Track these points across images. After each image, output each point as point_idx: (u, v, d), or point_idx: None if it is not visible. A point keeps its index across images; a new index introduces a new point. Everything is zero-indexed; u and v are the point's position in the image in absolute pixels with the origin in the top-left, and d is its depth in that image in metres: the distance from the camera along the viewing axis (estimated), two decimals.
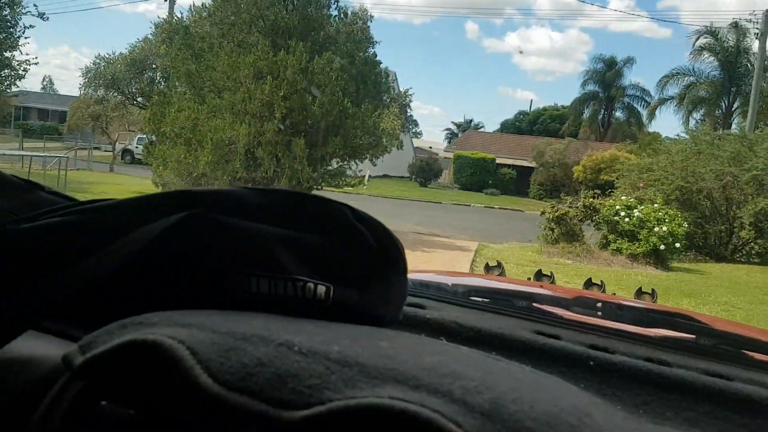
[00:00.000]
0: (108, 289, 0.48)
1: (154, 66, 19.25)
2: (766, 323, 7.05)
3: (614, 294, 1.76)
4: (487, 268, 1.79)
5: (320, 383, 0.36)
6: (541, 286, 1.24)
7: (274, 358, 0.37)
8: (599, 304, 0.81)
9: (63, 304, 0.48)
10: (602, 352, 0.62)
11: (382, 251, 0.53)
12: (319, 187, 12.02)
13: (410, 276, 1.17)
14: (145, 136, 16.28)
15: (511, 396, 0.36)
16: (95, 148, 25.47)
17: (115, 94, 21.05)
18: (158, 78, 19.38)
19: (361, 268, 0.52)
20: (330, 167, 11.92)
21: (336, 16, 11.81)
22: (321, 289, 0.50)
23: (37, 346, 0.49)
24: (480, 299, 0.85)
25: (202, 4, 11.78)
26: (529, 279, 1.72)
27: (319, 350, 0.39)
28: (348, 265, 0.52)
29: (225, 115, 10.37)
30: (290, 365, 0.37)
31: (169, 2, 22.60)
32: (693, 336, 0.77)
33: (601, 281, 1.58)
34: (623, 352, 0.65)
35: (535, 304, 0.85)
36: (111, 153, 24.81)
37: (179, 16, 15.33)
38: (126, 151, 28.69)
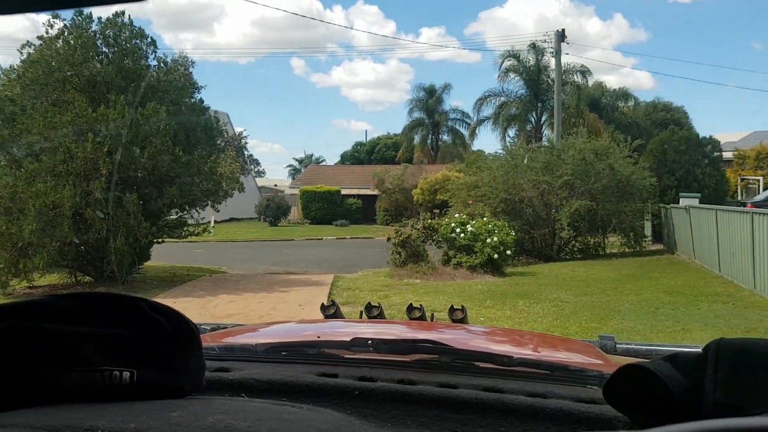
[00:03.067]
0: None
1: None
2: (591, 311, 8.00)
3: (433, 314, 1.96)
4: (323, 308, 1.87)
5: None
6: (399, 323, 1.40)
7: None
8: (370, 341, 1.01)
9: None
10: (366, 382, 0.80)
11: (178, 333, 0.65)
12: (160, 240, 11.55)
13: (223, 340, 1.28)
14: None
15: None
16: None
17: None
18: None
19: (161, 351, 0.64)
20: (169, 218, 11.51)
21: (155, 66, 11.53)
22: (126, 374, 0.61)
23: None
24: (275, 354, 1.02)
25: (10, 66, 10.95)
26: (363, 312, 1.82)
27: (118, 429, 0.50)
28: (148, 349, 0.64)
29: (46, 179, 9.65)
30: None
31: None
32: (436, 356, 0.99)
33: (420, 305, 1.79)
34: (384, 378, 0.83)
35: (323, 350, 1.03)
36: None
37: None
38: None
